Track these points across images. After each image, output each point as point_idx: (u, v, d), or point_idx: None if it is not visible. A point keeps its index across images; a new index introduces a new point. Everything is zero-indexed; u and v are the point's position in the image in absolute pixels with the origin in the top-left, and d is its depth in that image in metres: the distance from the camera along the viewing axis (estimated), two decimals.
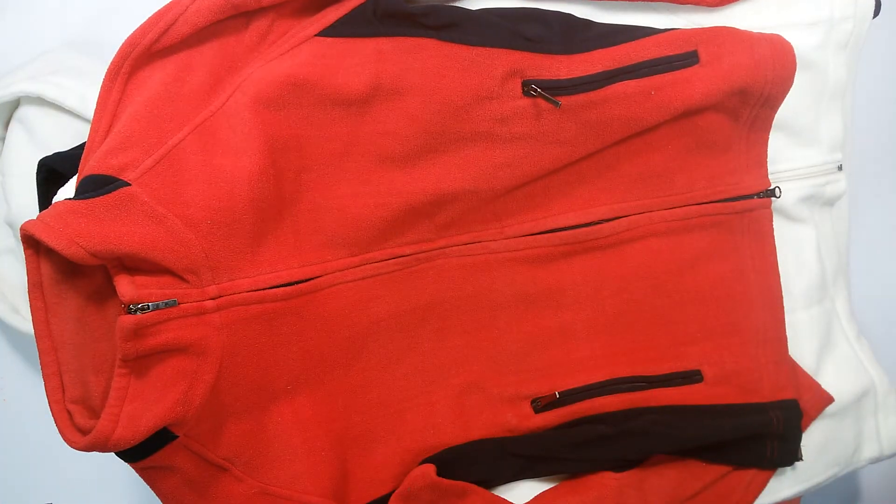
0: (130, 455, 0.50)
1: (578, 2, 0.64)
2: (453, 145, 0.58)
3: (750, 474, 0.66)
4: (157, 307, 0.49)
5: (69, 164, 0.58)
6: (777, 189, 0.67)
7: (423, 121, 0.57)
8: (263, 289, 0.54)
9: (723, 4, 0.66)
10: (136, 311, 0.48)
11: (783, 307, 0.68)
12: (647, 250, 0.65)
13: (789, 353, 0.68)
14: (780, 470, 0.68)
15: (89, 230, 0.47)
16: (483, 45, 0.57)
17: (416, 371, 0.62)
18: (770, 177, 0.67)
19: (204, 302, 0.51)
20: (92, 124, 0.52)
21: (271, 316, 0.54)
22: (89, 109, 0.66)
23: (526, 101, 0.58)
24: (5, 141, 0.71)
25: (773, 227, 0.68)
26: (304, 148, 0.56)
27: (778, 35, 0.63)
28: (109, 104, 0.52)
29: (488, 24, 0.58)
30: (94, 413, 0.51)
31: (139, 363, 0.49)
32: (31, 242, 0.50)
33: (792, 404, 0.66)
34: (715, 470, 0.65)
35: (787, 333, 0.68)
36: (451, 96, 0.57)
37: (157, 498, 0.54)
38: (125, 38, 0.53)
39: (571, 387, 0.64)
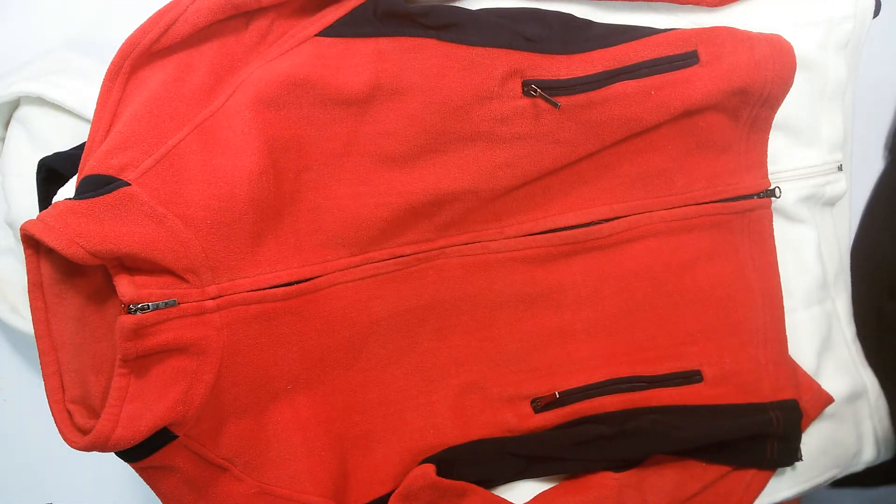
0: (130, 455, 0.50)
1: (578, 2, 0.64)
2: (453, 145, 0.58)
3: (750, 474, 0.66)
4: (157, 307, 0.49)
5: (69, 164, 0.58)
6: (777, 189, 0.67)
7: (423, 121, 0.57)
8: (263, 289, 0.54)
9: (723, 4, 0.66)
10: (136, 311, 0.48)
11: (783, 307, 0.68)
12: (647, 250, 0.65)
13: (789, 353, 0.68)
14: (779, 470, 0.68)
15: (89, 230, 0.47)
16: (483, 45, 0.57)
17: (416, 371, 0.62)
18: (770, 177, 0.67)
19: (204, 302, 0.51)
20: (92, 124, 0.52)
21: (271, 316, 0.54)
22: (89, 109, 0.66)
23: (526, 101, 0.58)
24: (5, 141, 0.71)
25: (774, 227, 0.68)
26: (304, 148, 0.56)
27: (778, 35, 0.63)
28: (109, 104, 0.52)
29: (488, 24, 0.58)
30: (94, 413, 0.51)
31: (139, 363, 0.49)
32: (31, 242, 0.50)
33: (792, 404, 0.66)
34: (715, 470, 0.65)
35: (788, 333, 0.68)
36: (451, 96, 0.57)
37: (157, 498, 0.54)
38: (125, 38, 0.53)
39: (571, 387, 0.64)
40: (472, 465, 0.62)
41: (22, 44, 0.77)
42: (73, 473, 0.83)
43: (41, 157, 0.59)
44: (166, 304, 0.50)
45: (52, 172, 0.58)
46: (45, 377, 0.51)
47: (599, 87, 0.58)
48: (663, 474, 0.64)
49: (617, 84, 0.59)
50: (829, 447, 0.71)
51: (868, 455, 0.73)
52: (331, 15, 0.57)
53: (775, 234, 0.68)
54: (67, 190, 0.57)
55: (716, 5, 0.65)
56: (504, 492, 0.64)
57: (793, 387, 0.67)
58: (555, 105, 0.57)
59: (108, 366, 0.52)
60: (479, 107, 0.58)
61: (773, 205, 0.68)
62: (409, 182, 0.58)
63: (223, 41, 0.55)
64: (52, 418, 0.50)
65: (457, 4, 0.62)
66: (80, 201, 0.48)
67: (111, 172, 0.50)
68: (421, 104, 0.57)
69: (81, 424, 0.50)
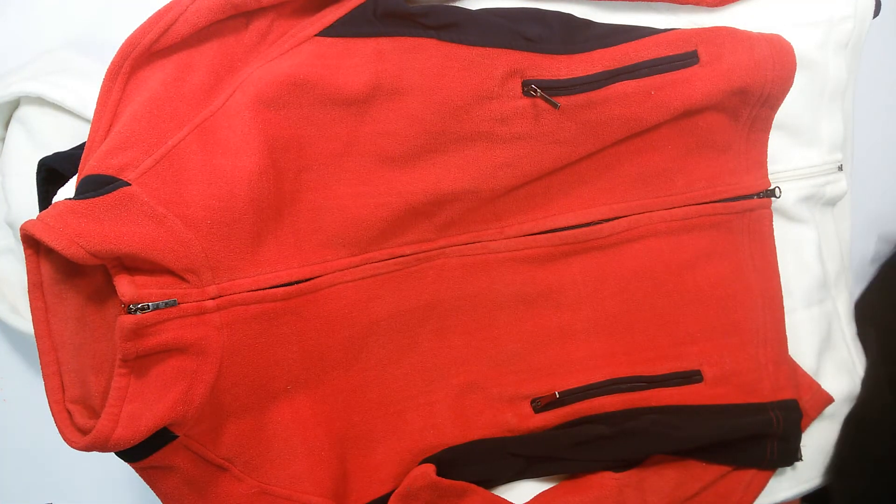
0: (130, 455, 0.50)
1: (578, 2, 0.64)
2: (453, 145, 0.58)
3: (750, 474, 0.66)
4: (156, 307, 0.49)
5: (69, 164, 0.58)
6: (777, 189, 0.67)
7: (423, 121, 0.57)
8: (263, 288, 0.54)
9: (723, 4, 0.66)
10: (135, 310, 0.48)
11: (783, 307, 0.68)
12: (647, 250, 0.65)
13: (789, 353, 0.68)
14: (779, 470, 0.68)
15: (89, 230, 0.47)
16: (483, 45, 0.57)
17: (416, 371, 0.62)
18: (770, 177, 0.67)
19: (204, 302, 0.51)
20: (92, 124, 0.52)
21: (271, 316, 0.54)
22: (89, 109, 0.66)
23: (526, 101, 0.58)
24: (5, 141, 0.71)
25: (774, 227, 0.68)
26: (304, 148, 0.56)
27: (778, 35, 0.63)
28: (109, 104, 0.52)
29: (488, 24, 0.58)
30: (94, 413, 0.51)
31: (139, 363, 0.49)
32: (31, 242, 0.50)
33: (792, 404, 0.66)
34: (715, 470, 0.65)
35: (788, 333, 0.68)
36: (450, 96, 0.57)
37: (157, 498, 0.54)
38: (125, 38, 0.53)
39: (571, 386, 0.64)
40: (472, 465, 0.62)
41: (22, 44, 0.77)
42: (73, 473, 0.83)
43: (41, 157, 0.59)
44: (166, 304, 0.50)
45: (52, 172, 0.58)
46: (45, 377, 0.51)
47: (599, 87, 0.58)
48: (663, 474, 0.64)
49: (617, 84, 0.59)
50: (829, 447, 0.71)
51: None
52: (331, 15, 0.57)
53: (775, 234, 0.68)
54: (67, 190, 0.57)
55: (716, 5, 0.65)
56: (504, 492, 0.64)
57: (793, 387, 0.67)
58: (554, 106, 0.57)
59: (108, 366, 0.52)
60: (479, 107, 0.58)
61: (773, 205, 0.68)
62: (409, 182, 0.58)
63: (223, 41, 0.55)
64: (52, 418, 0.50)
65: (457, 4, 0.62)
66: (80, 201, 0.48)
67: (111, 172, 0.50)
68: (421, 104, 0.57)
69: (81, 424, 0.50)
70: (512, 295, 0.63)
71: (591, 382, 0.64)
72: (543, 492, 0.64)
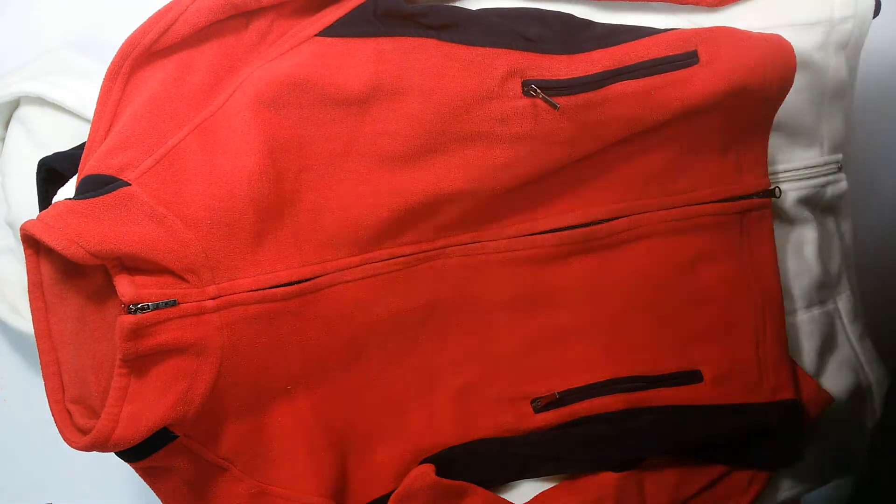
0: (130, 455, 0.50)
1: (578, 2, 0.64)
2: (453, 145, 0.58)
3: (750, 474, 0.66)
4: (156, 307, 0.49)
5: (69, 164, 0.58)
6: (777, 189, 0.67)
7: (423, 121, 0.57)
8: (263, 289, 0.54)
9: (723, 4, 0.66)
10: (135, 310, 0.48)
11: (783, 307, 0.68)
12: (646, 250, 0.65)
13: (789, 353, 0.68)
14: (779, 470, 0.68)
15: (89, 230, 0.47)
16: (483, 45, 0.57)
17: (416, 371, 0.62)
18: (770, 177, 0.67)
19: (204, 302, 0.51)
20: (92, 124, 0.52)
21: (271, 316, 0.54)
22: (89, 109, 0.66)
23: (526, 102, 0.58)
24: (5, 141, 0.71)
25: (774, 227, 0.68)
26: (304, 148, 0.56)
27: (778, 35, 0.63)
28: (109, 104, 0.52)
29: (488, 24, 0.58)
30: (94, 413, 0.51)
31: (139, 363, 0.49)
32: (31, 242, 0.50)
33: (792, 404, 0.66)
34: (715, 470, 0.65)
35: (788, 334, 0.68)
36: (450, 96, 0.57)
37: (157, 498, 0.54)
38: (125, 38, 0.53)
39: (571, 387, 0.64)
40: (472, 465, 0.62)
41: (22, 44, 0.77)
42: (73, 473, 0.83)
43: (41, 157, 0.59)
44: (166, 304, 0.50)
45: (52, 172, 0.58)
46: (45, 377, 0.51)
47: (599, 88, 0.58)
48: (663, 474, 0.64)
49: (617, 84, 0.59)
50: (829, 448, 0.71)
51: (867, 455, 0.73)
52: (331, 15, 0.57)
53: (775, 234, 0.68)
54: (67, 190, 0.57)
55: (715, 5, 0.65)
56: (504, 492, 0.64)
57: (793, 387, 0.67)
58: (554, 106, 0.57)
59: (108, 366, 0.52)
60: (478, 107, 0.58)
61: (772, 205, 0.68)
62: (409, 182, 0.58)
63: (223, 41, 0.55)
64: (52, 418, 0.50)
65: (457, 4, 0.62)
66: (80, 201, 0.48)
67: (111, 172, 0.50)
68: (421, 104, 0.57)
69: (81, 424, 0.50)
70: (512, 295, 0.63)
71: (591, 382, 0.64)
72: (543, 492, 0.64)
